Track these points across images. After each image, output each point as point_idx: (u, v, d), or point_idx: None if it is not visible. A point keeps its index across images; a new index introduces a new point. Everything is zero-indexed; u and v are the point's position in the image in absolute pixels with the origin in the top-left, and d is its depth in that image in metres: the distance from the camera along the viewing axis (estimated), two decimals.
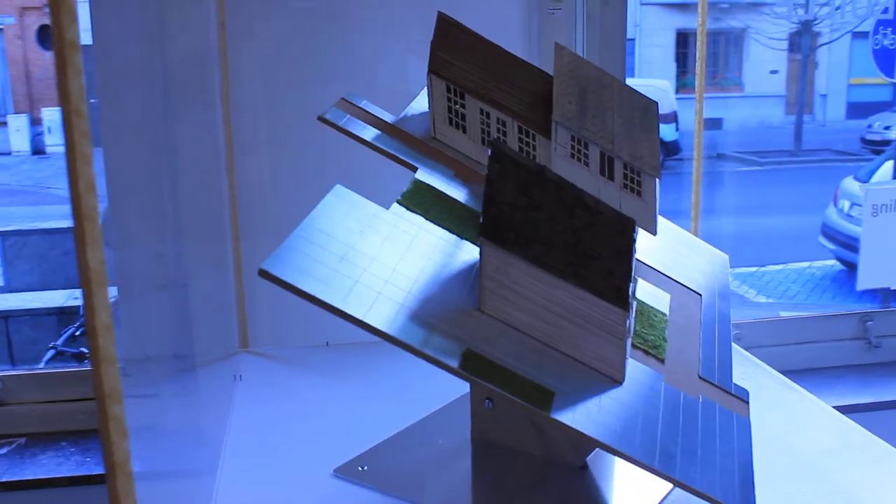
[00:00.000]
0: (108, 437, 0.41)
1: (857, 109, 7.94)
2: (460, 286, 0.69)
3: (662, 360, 0.75)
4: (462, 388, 0.82)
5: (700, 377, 0.77)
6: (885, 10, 3.15)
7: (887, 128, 7.03)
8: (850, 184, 4.92)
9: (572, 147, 0.83)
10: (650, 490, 0.77)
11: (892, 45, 3.19)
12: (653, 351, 0.75)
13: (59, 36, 0.37)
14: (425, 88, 0.92)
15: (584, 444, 0.79)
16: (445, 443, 0.87)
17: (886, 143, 6.70)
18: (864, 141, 7.21)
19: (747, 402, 0.78)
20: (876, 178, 4.93)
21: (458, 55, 0.84)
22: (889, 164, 5.02)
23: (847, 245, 4.59)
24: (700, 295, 0.88)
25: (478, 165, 0.84)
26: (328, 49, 1.20)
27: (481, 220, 0.66)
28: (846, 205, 4.83)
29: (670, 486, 0.75)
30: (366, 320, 0.60)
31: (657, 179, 0.84)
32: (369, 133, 0.80)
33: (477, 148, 0.85)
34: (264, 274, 0.58)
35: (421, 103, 0.89)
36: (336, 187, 0.70)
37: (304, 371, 1.10)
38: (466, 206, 0.78)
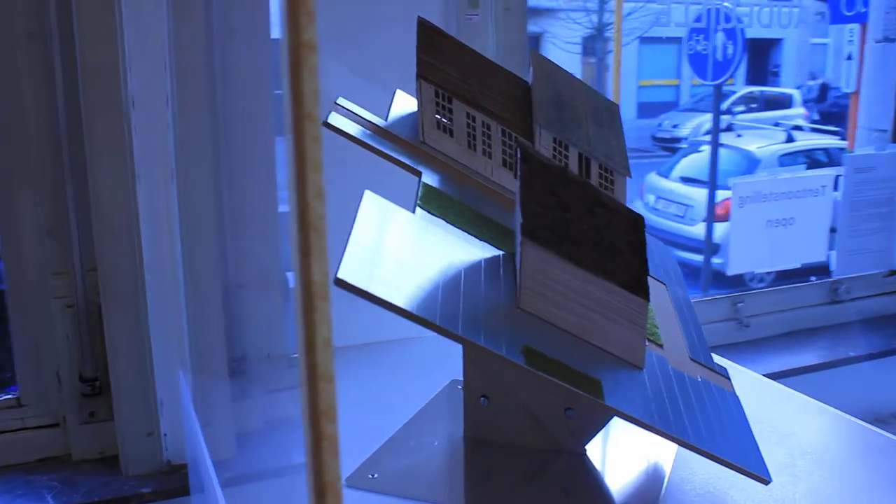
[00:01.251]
0: (319, 456, 0.40)
1: (647, 109, 8.58)
2: (496, 286, 0.71)
3: (661, 346, 0.81)
4: (426, 388, 0.84)
5: (692, 359, 0.83)
6: (698, 19, 3.45)
7: (675, 126, 7.66)
8: (655, 179, 5.32)
9: (554, 149, 0.87)
10: (650, 473, 0.82)
11: (704, 50, 3.50)
12: (651, 337, 0.81)
13: (295, 36, 0.36)
14: (397, 93, 0.93)
15: (583, 431, 0.83)
16: (442, 442, 0.88)
17: (676, 140, 7.30)
18: (655, 139, 7.81)
19: (730, 379, 0.85)
20: (676, 172, 5.36)
21: (442, 60, 0.86)
22: (686, 160, 5.47)
23: (655, 237, 4.96)
24: (664, 284, 0.95)
25: (465, 169, 0.86)
26: None
27: (520, 220, 0.68)
28: (651, 199, 5.22)
29: (669, 469, 0.81)
30: (440, 324, 0.61)
31: (627, 178, 0.90)
32: (373, 139, 0.80)
33: (463, 152, 0.86)
34: (341, 283, 0.57)
35: (401, 107, 0.90)
36: (367, 194, 0.69)
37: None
38: (471, 207, 0.80)
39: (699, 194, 5.52)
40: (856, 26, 3.76)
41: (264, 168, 1.18)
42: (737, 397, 0.81)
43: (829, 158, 5.51)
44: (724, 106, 7.28)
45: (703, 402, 0.76)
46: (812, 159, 5.52)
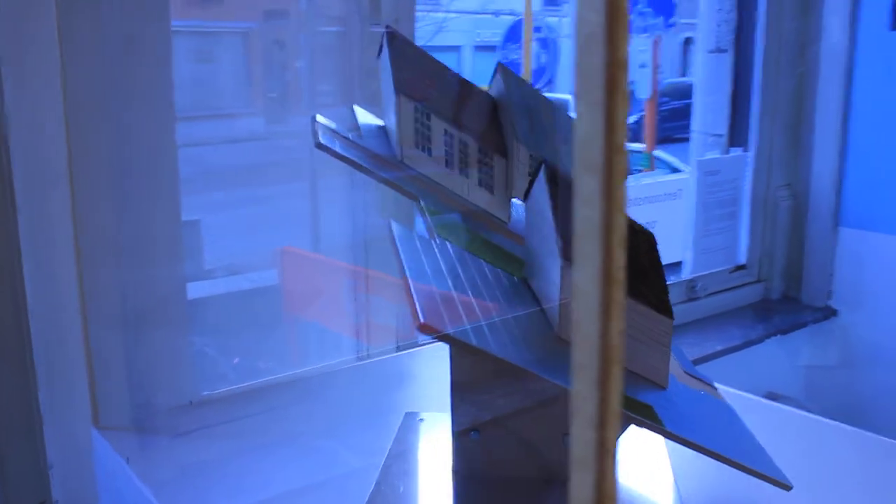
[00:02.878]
0: None
1: None
2: (533, 316, 0.67)
3: None
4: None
5: (686, 372, 0.82)
6: (513, 28, 3.56)
7: None
8: None
9: (530, 165, 0.84)
10: (653, 491, 0.81)
11: (518, 59, 3.62)
12: None
13: (612, 53, 0.30)
14: (355, 107, 0.87)
15: None
16: (432, 482, 0.82)
17: None
18: None
19: (716, 388, 0.85)
20: None
21: (415, 73, 0.80)
22: None
23: None
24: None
25: (440, 188, 0.81)
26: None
27: (559, 242, 0.64)
28: None
29: (671, 488, 0.80)
30: (525, 366, 0.56)
31: None
32: (367, 161, 0.73)
33: (441, 170, 0.81)
34: (426, 328, 0.51)
35: (364, 120, 0.83)
36: (393, 224, 0.63)
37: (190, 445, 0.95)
38: (474, 232, 0.75)
39: None
40: (646, 36, 4.03)
41: (167, 184, 1.05)
42: (733, 409, 0.82)
43: None
44: None
45: (714, 416, 0.76)
46: None
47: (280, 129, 1.40)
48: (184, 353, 1.11)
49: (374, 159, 0.76)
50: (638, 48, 4.21)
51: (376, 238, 1.34)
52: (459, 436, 0.80)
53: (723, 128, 2.09)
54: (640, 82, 4.00)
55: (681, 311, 1.92)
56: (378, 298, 1.47)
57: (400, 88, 0.78)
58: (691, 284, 1.95)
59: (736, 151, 2.01)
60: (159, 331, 1.09)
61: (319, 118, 0.76)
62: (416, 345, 1.41)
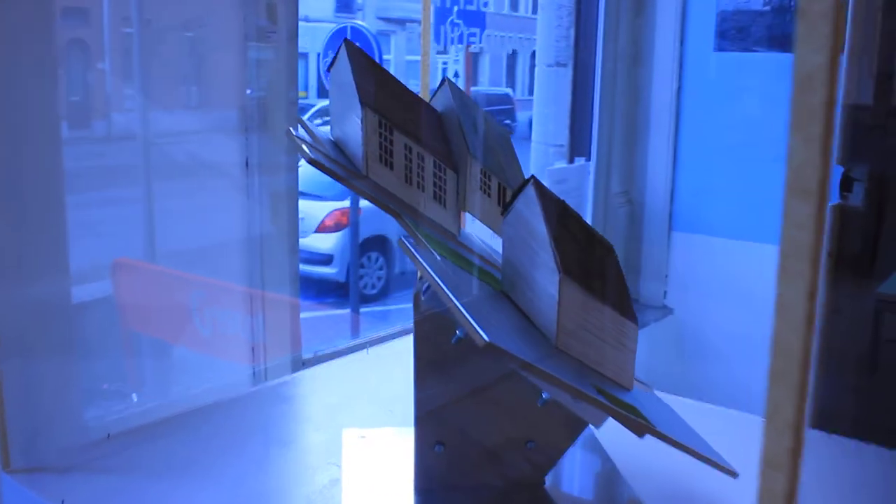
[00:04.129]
0: None
1: None
2: (530, 327, 0.68)
3: None
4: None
5: None
6: (333, 36, 3.55)
7: None
8: None
9: (482, 180, 0.86)
10: (613, 494, 0.85)
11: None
12: None
13: (830, 93, 0.34)
14: (306, 122, 0.85)
15: (544, 462, 0.83)
16: (397, 499, 0.81)
17: None
18: None
19: (652, 389, 0.91)
20: None
21: (376, 87, 0.80)
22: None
23: None
24: None
25: (403, 203, 0.81)
26: None
27: (557, 257, 0.67)
28: None
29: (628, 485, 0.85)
30: (567, 381, 0.57)
31: None
32: (351, 178, 0.71)
33: (402, 185, 0.81)
34: (492, 347, 0.52)
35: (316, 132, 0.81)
36: (402, 242, 0.63)
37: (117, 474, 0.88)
38: (453, 248, 0.75)
39: (310, 207, 5.66)
40: (461, 46, 4.15)
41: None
42: (669, 406, 0.88)
43: None
44: (306, 118, 7.50)
45: (668, 414, 0.81)
46: None
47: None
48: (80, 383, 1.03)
49: (348, 173, 0.74)
50: (452, 58, 4.34)
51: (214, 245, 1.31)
52: (423, 450, 0.81)
53: (564, 138, 2.21)
54: None
55: None
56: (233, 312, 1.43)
57: (366, 101, 0.77)
58: None
59: (580, 161, 2.13)
60: (50, 361, 1.00)
61: (301, 131, 0.73)
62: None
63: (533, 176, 0.70)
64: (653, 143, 2.14)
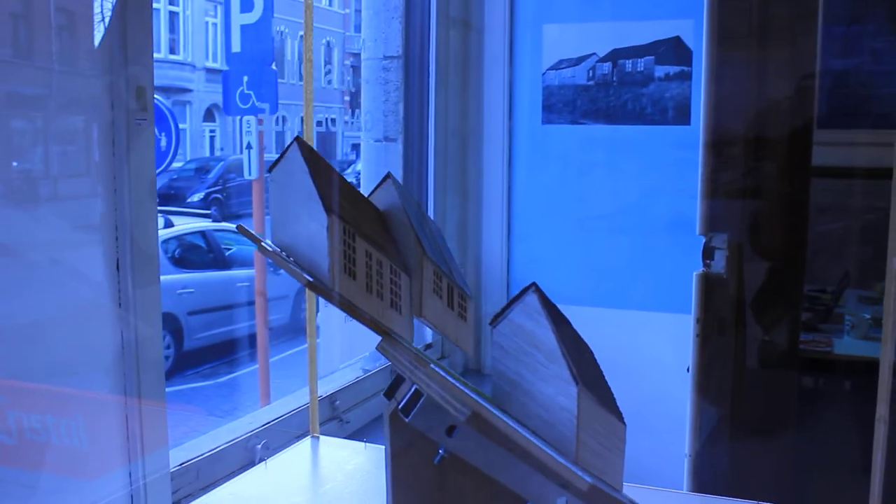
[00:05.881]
0: None
1: None
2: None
3: None
4: None
5: None
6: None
7: None
8: None
9: (435, 282, 0.81)
10: None
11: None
12: None
13: None
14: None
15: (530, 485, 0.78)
16: None
17: None
18: None
19: None
20: None
21: (332, 189, 0.74)
22: None
23: None
24: None
25: (364, 316, 0.74)
26: None
27: (572, 369, 0.64)
28: None
29: None
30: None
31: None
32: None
33: (364, 295, 0.75)
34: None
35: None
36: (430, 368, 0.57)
37: None
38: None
39: None
40: (252, 118, 4.07)
41: None
42: None
43: (206, 241, 5.78)
44: None
45: None
46: (189, 243, 5.75)
47: None
48: None
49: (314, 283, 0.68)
50: (244, 128, 4.25)
51: None
52: None
53: None
54: (248, 162, 4.00)
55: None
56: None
57: (331, 209, 0.71)
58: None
59: None
60: None
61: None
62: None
63: (534, 283, 0.67)
64: (486, 215, 2.17)
